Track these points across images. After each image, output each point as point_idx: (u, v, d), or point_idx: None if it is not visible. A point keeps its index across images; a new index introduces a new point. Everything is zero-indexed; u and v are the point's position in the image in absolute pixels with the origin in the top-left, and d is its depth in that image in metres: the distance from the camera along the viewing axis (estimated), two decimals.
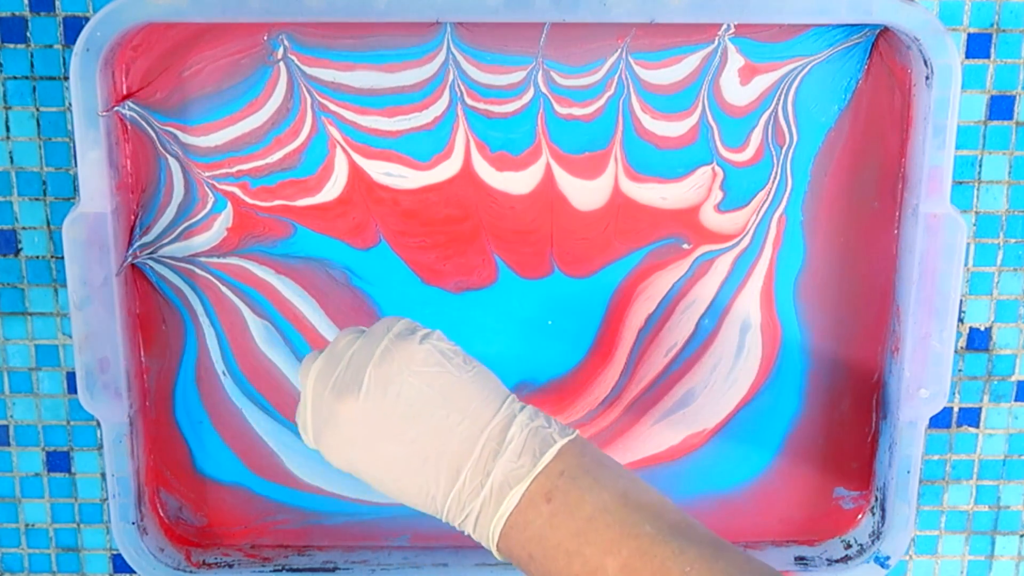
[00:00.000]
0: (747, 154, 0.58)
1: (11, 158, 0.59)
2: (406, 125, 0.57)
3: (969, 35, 0.59)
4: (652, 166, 0.58)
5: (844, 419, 0.62)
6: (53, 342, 0.62)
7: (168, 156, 0.57)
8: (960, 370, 0.64)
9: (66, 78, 0.58)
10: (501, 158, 0.58)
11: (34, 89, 0.58)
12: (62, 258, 0.57)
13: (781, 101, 0.57)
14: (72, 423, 0.63)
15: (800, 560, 0.62)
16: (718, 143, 0.58)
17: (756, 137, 0.58)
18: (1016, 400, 0.64)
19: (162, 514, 0.62)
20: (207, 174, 0.58)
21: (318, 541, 0.63)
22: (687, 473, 0.63)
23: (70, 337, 0.61)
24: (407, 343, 0.45)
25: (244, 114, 0.57)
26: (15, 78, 0.58)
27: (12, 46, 0.58)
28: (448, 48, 0.56)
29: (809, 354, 0.61)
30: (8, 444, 0.64)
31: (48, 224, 0.60)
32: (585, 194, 0.58)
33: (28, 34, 0.58)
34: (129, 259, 0.57)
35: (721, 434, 0.62)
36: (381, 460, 0.44)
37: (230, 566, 0.61)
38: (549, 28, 0.56)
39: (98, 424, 0.62)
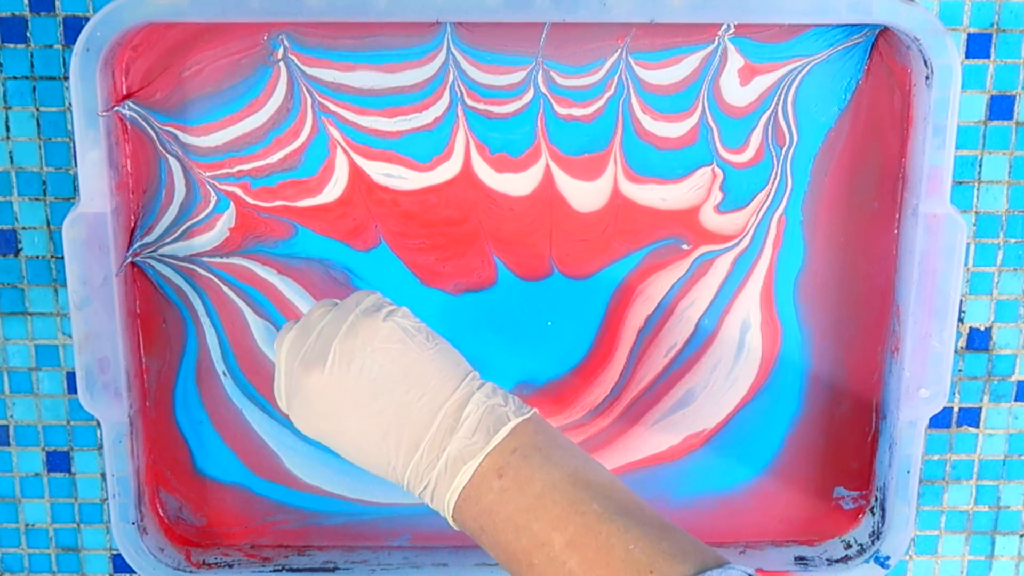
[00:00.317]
0: (747, 155, 0.58)
1: (11, 158, 0.59)
2: (406, 126, 0.57)
3: (969, 35, 0.59)
4: (652, 167, 0.58)
5: (844, 419, 0.62)
6: (53, 342, 0.62)
7: (168, 156, 0.57)
8: (960, 370, 0.64)
9: (66, 78, 0.58)
10: (501, 159, 0.58)
11: (34, 89, 0.58)
12: (62, 258, 0.57)
13: (781, 101, 0.57)
14: (72, 423, 0.63)
15: (800, 560, 0.62)
16: (718, 144, 0.58)
17: (756, 138, 0.58)
18: (1016, 400, 0.64)
19: (162, 514, 0.62)
20: (208, 174, 0.58)
21: (318, 541, 0.63)
22: (687, 473, 0.63)
23: (70, 337, 0.61)
24: (372, 319, 0.46)
25: (244, 114, 0.57)
26: (15, 78, 0.58)
27: (12, 46, 0.58)
28: (448, 48, 0.56)
29: (809, 354, 0.61)
30: (8, 444, 0.64)
31: (48, 224, 0.60)
32: (585, 195, 0.58)
33: (28, 34, 0.58)
34: (129, 258, 0.57)
35: (721, 434, 0.62)
36: (345, 431, 0.46)
37: (230, 566, 0.61)
38: (549, 28, 0.56)
39: (98, 424, 0.62)
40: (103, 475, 0.64)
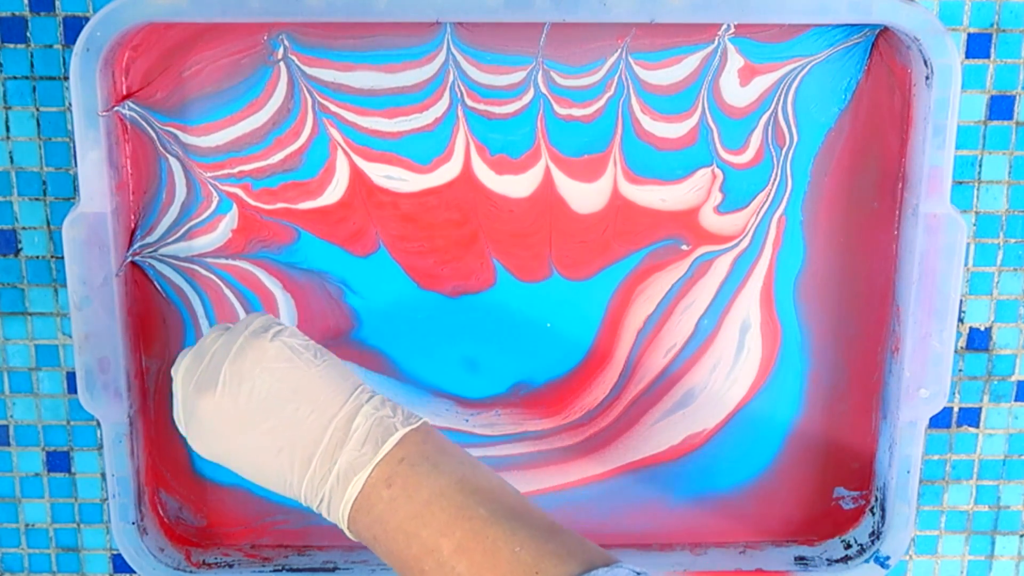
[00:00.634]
0: (747, 156, 0.58)
1: (11, 158, 0.59)
2: (406, 126, 0.57)
3: (969, 35, 0.58)
4: (651, 168, 0.58)
5: (844, 419, 0.62)
6: (53, 342, 0.62)
7: (168, 156, 0.57)
8: (960, 370, 0.64)
9: (66, 78, 0.58)
10: (501, 161, 0.58)
11: (34, 89, 0.58)
12: (62, 258, 0.57)
13: (781, 101, 0.57)
14: (72, 423, 0.63)
15: (800, 560, 0.62)
16: (718, 145, 0.58)
17: (756, 139, 0.58)
18: (1016, 400, 0.64)
19: (162, 514, 0.62)
20: (208, 175, 0.58)
21: (318, 541, 0.63)
22: (687, 473, 0.63)
23: (70, 337, 0.61)
24: (260, 340, 0.47)
25: (244, 114, 0.57)
26: (15, 78, 0.58)
27: (12, 46, 0.58)
28: (448, 48, 0.56)
29: (809, 354, 0.61)
30: (8, 444, 0.64)
31: (48, 224, 0.60)
32: (584, 197, 0.58)
33: (28, 34, 0.58)
34: (129, 259, 0.57)
35: (721, 434, 0.62)
36: (241, 451, 0.47)
37: (230, 566, 0.61)
38: (549, 28, 0.56)
39: (98, 424, 0.62)
40: (103, 475, 0.64)
